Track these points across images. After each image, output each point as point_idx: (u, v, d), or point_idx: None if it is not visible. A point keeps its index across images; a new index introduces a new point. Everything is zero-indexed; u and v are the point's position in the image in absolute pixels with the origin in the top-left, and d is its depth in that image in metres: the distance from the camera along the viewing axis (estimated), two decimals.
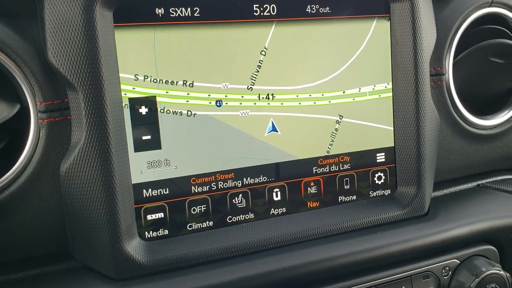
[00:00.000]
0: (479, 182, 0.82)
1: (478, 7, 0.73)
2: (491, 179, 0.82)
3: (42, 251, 0.58)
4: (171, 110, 0.58)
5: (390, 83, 0.68)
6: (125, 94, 0.56)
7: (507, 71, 0.76)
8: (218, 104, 0.60)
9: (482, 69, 0.75)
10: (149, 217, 0.58)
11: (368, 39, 0.66)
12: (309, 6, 0.63)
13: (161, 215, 0.59)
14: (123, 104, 0.56)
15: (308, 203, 0.66)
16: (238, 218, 0.63)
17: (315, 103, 0.65)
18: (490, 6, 0.74)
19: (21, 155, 0.54)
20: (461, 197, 0.76)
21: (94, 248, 0.56)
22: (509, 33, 0.76)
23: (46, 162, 0.55)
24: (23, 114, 0.55)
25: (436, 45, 0.71)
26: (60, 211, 0.57)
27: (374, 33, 0.67)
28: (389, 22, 0.67)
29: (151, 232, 0.59)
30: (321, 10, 0.64)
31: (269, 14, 0.61)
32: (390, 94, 0.69)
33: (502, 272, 0.66)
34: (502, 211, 0.72)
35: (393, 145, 0.70)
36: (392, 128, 0.69)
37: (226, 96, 0.60)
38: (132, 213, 0.57)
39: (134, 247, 0.56)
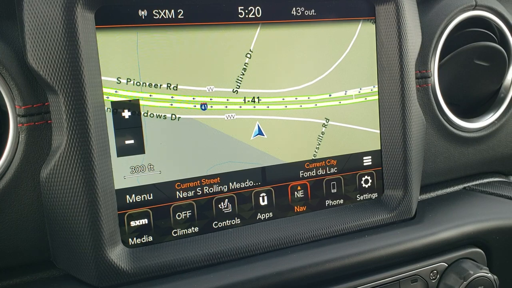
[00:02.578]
0: (465, 185, 0.82)
1: (462, 10, 0.74)
2: (477, 182, 0.83)
3: (22, 259, 0.57)
4: (154, 114, 0.57)
5: (376, 86, 0.68)
6: (107, 97, 0.55)
7: (492, 73, 0.77)
8: (203, 108, 0.59)
9: (467, 71, 0.75)
10: (132, 223, 0.57)
11: (353, 42, 0.66)
12: (294, 8, 0.62)
13: (145, 221, 0.58)
14: (105, 108, 0.55)
15: (295, 207, 0.66)
16: (224, 223, 0.62)
17: (301, 106, 0.64)
18: (474, 9, 0.74)
19: (0, 161, 0.53)
20: (447, 200, 0.76)
21: (76, 256, 0.54)
22: (493, 36, 0.77)
23: (26, 167, 0.54)
24: (2, 118, 0.54)
25: (422, 47, 0.71)
26: (41, 218, 0.55)
27: (359, 36, 0.66)
28: (374, 25, 0.67)
29: (135, 238, 0.58)
30: (306, 12, 0.63)
31: (254, 16, 0.60)
32: (376, 97, 0.68)
33: (489, 274, 0.66)
34: (489, 214, 0.72)
35: (380, 148, 0.69)
36: (379, 131, 0.69)
37: (211, 99, 0.59)
38: (115, 220, 0.56)
39: (117, 254, 0.55)
